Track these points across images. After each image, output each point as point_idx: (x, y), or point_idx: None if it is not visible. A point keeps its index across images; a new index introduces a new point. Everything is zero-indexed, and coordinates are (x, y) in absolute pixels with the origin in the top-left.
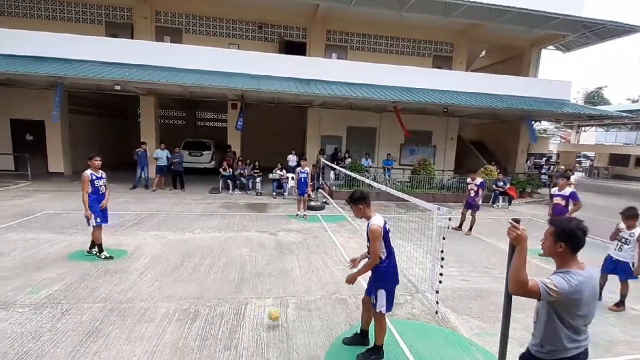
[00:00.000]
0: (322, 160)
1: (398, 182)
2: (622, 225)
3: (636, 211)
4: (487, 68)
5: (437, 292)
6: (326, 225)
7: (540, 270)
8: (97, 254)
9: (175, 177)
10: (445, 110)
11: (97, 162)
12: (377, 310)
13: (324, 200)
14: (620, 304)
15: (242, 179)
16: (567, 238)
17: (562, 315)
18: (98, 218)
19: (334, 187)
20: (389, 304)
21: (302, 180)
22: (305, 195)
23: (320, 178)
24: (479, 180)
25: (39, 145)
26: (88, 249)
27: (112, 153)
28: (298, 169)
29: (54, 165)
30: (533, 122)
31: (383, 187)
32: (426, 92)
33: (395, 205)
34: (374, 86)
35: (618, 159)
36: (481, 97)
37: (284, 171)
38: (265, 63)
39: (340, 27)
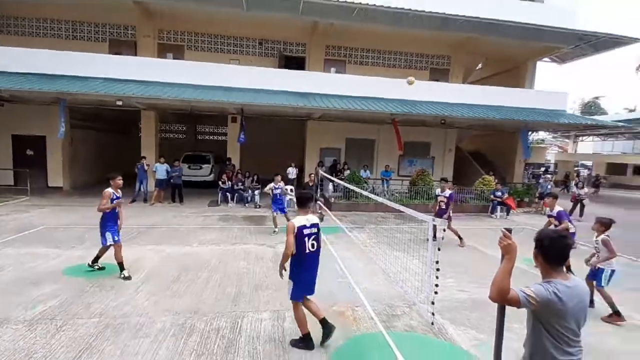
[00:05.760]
0: (321, 172)
1: (397, 193)
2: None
3: (600, 218)
4: (485, 80)
5: (432, 303)
6: (324, 237)
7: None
8: (120, 273)
9: (175, 190)
10: (443, 122)
11: (120, 181)
12: (289, 298)
13: (320, 211)
14: (613, 316)
15: (241, 191)
16: (541, 249)
17: (547, 326)
18: (115, 236)
19: (332, 199)
20: (295, 295)
21: (278, 197)
22: (278, 212)
23: (319, 190)
24: (448, 191)
25: (39, 160)
26: (90, 263)
27: (112, 167)
28: (271, 184)
29: (54, 180)
30: (530, 133)
31: (379, 199)
32: (424, 104)
33: (393, 217)
34: (373, 99)
35: (616, 168)
36: (478, 108)
37: (283, 183)
38: (264, 77)
39: (339, 42)
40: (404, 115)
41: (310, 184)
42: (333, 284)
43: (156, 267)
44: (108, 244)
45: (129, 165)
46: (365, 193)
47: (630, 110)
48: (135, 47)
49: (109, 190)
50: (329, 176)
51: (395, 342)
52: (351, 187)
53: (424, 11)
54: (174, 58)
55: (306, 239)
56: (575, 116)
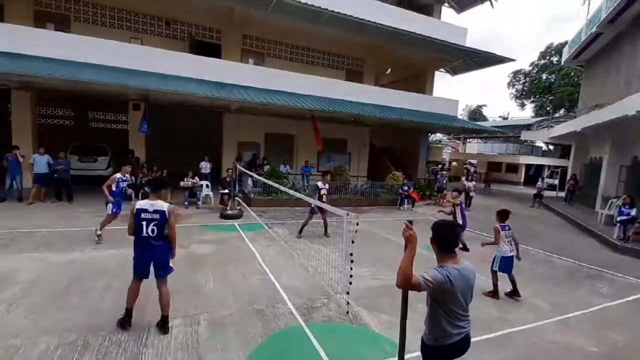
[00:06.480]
0: (239, 167)
1: None
2: None
3: (498, 210)
4: (392, 84)
5: (347, 293)
6: (243, 234)
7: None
8: None
9: (60, 186)
10: (353, 120)
11: None
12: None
13: (239, 207)
14: (491, 293)
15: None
16: (434, 238)
17: (442, 305)
18: None
19: (252, 194)
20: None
21: (123, 191)
22: (114, 211)
23: (237, 185)
24: (327, 185)
25: None
26: None
27: None
28: (117, 175)
29: None
30: (430, 135)
31: (298, 194)
32: (341, 102)
33: None
34: (293, 94)
35: (494, 166)
36: (386, 109)
37: (197, 179)
38: (174, 62)
39: (257, 33)
40: (322, 111)
41: (228, 180)
42: (253, 282)
43: (36, 279)
44: None
45: None
46: (283, 188)
47: (504, 118)
48: (2, 13)
49: None
50: (247, 171)
51: (314, 333)
52: (270, 182)
53: (339, 13)
54: (56, 29)
55: (144, 222)
56: (465, 121)
